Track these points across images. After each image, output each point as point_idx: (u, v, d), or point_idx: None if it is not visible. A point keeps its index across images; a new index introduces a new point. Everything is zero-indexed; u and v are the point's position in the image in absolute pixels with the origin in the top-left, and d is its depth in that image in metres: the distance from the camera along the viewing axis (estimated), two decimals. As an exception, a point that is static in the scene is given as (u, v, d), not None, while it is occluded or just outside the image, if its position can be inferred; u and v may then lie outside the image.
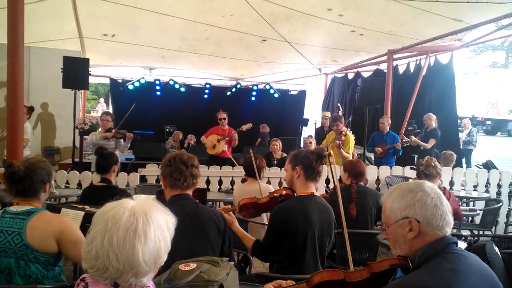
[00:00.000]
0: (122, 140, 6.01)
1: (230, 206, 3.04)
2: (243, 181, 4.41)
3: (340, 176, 4.07)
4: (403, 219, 1.48)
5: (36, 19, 6.62)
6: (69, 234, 2.17)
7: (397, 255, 1.55)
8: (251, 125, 7.16)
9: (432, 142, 7.20)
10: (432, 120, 7.46)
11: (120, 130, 6.05)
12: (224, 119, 7.05)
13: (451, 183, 6.18)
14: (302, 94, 13.03)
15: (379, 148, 6.94)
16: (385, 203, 1.57)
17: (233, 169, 5.85)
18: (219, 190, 5.69)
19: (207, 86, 12.22)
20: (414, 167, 5.54)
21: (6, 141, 4.82)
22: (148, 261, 1.16)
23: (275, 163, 6.68)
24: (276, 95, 12.46)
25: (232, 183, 5.71)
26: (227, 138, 6.89)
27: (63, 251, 2.15)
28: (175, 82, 11.77)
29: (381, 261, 1.56)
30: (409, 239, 1.48)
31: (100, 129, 6.47)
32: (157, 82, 11.81)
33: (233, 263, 1.77)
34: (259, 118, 10.64)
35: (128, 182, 5.53)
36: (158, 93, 11.75)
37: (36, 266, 2.08)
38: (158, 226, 1.20)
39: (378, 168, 6.26)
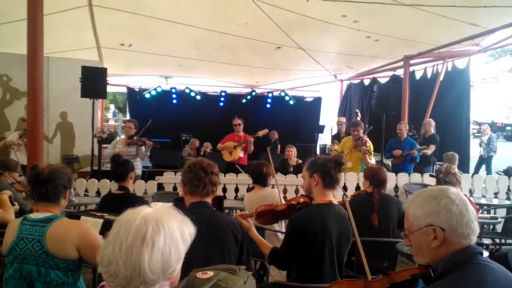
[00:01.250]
0: (143, 148, 6.06)
1: (247, 213, 3.03)
2: (251, 189, 4.37)
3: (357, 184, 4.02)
4: (427, 227, 1.44)
5: (55, 29, 6.76)
6: (89, 239, 2.18)
7: (418, 264, 1.51)
8: (267, 131, 7.14)
9: (432, 148, 7.05)
10: (431, 126, 7.38)
11: (140, 138, 6.11)
12: (240, 125, 7.04)
13: (471, 191, 6.06)
14: (317, 101, 12.99)
15: (398, 150, 6.82)
16: (408, 209, 1.53)
17: (249, 176, 5.84)
18: (236, 197, 5.69)
19: (223, 93, 12.29)
20: (434, 174, 5.43)
21: (27, 148, 4.90)
22: (154, 270, 1.14)
23: (291, 170, 6.66)
24: (291, 102, 12.45)
25: (249, 190, 5.70)
26: (243, 145, 6.88)
27: (83, 256, 2.16)
28: (191, 90, 11.87)
29: (402, 271, 1.52)
30: (433, 247, 1.43)
31: (123, 136, 6.53)
32: (173, 90, 11.93)
33: (251, 272, 1.76)
34: (274, 125, 10.65)
35: (145, 190, 5.57)
36: (174, 101, 11.87)
37: (56, 273, 2.09)
38: (170, 234, 1.18)
39: (396, 175, 6.17)
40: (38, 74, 4.82)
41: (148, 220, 1.17)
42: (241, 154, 6.89)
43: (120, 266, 1.13)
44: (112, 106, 23.16)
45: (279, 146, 10.25)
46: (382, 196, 3.64)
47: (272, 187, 4.16)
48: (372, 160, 6.00)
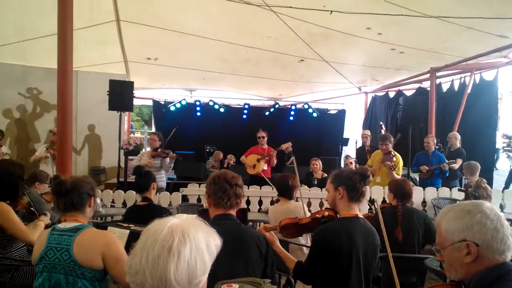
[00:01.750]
0: (167, 160, 6.14)
1: (271, 225, 3.00)
2: (276, 201, 4.33)
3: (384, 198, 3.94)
4: (460, 242, 1.40)
5: (84, 44, 6.97)
6: (114, 250, 2.21)
7: (450, 280, 1.47)
8: (290, 144, 7.10)
9: (459, 162, 6.85)
10: (457, 140, 7.22)
11: (164, 150, 6.19)
12: (264, 137, 7.05)
13: (502, 206, 5.86)
14: (341, 113, 12.89)
15: (425, 167, 6.69)
16: (440, 224, 1.49)
17: (273, 189, 5.83)
18: (259, 210, 5.68)
19: (246, 106, 12.34)
20: (463, 188, 5.28)
21: (56, 160, 5.03)
22: (180, 281, 1.14)
23: (315, 183, 6.60)
24: (314, 115, 12.39)
25: (272, 203, 5.68)
26: (266, 158, 6.88)
27: (106, 266, 2.19)
28: (215, 103, 11.98)
29: (432, 286, 1.48)
30: (466, 263, 1.39)
31: (148, 149, 6.64)
32: (197, 103, 12.07)
33: (275, 286, 1.74)
34: (297, 138, 10.58)
35: (170, 201, 5.62)
36: (198, 113, 11.99)
37: (83, 282, 2.12)
38: (196, 245, 1.18)
39: (423, 190, 6.03)
40: (67, 88, 4.96)
41: (175, 231, 1.18)
42: (265, 167, 6.89)
43: (147, 276, 1.13)
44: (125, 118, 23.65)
45: (291, 158, 9.98)
46: (406, 209, 3.56)
47: (296, 200, 4.12)
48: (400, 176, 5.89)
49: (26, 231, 2.97)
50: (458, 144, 7.23)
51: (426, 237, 3.50)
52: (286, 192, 3.99)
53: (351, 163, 7.30)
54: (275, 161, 7.06)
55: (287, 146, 7.04)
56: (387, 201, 3.80)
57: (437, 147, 7.47)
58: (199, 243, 1.19)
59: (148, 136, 7.63)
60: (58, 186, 2.32)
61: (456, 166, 6.84)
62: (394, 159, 5.84)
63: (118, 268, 2.15)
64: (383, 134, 6.87)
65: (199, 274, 1.18)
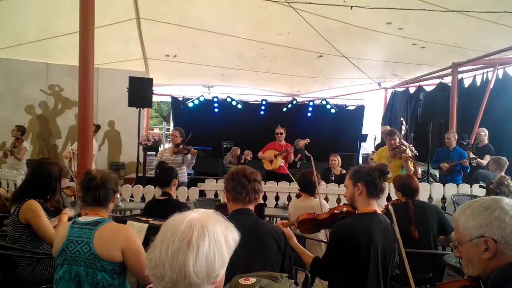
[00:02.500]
0: (188, 156, 6.20)
1: (288, 221, 3.00)
2: (298, 196, 4.32)
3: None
4: (478, 238, 1.39)
5: (104, 42, 7.07)
6: (133, 244, 2.24)
7: (468, 275, 1.45)
8: (309, 140, 7.07)
9: (487, 159, 6.70)
10: (486, 135, 7.06)
11: (186, 146, 6.25)
12: (281, 134, 7.03)
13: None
14: (360, 109, 12.76)
15: (445, 164, 6.58)
16: (458, 220, 1.47)
17: (290, 185, 5.82)
18: (276, 205, 5.68)
19: (263, 102, 12.34)
20: (483, 185, 5.17)
21: (77, 156, 5.12)
22: (199, 273, 1.15)
23: (333, 179, 6.56)
24: (332, 111, 12.30)
25: (289, 199, 5.68)
26: (284, 154, 6.87)
27: (125, 260, 2.22)
28: (232, 99, 12.01)
29: (450, 282, 1.47)
30: (484, 259, 1.37)
31: (170, 145, 6.70)
32: (215, 99, 12.12)
33: (293, 280, 1.74)
34: (315, 134, 10.53)
35: (188, 196, 5.67)
36: (216, 110, 12.05)
37: (102, 275, 2.15)
38: (215, 239, 1.20)
39: (444, 186, 5.94)
40: (89, 85, 5.02)
41: (194, 225, 1.19)
42: (282, 163, 6.88)
43: (167, 269, 1.15)
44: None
45: (299, 155, 9.81)
46: (418, 205, 3.46)
47: (314, 197, 4.09)
48: (418, 170, 5.81)
49: (52, 235, 2.96)
50: (486, 140, 7.08)
51: (440, 229, 3.44)
52: (308, 188, 3.96)
53: (372, 159, 7.21)
54: (293, 157, 7.03)
55: (305, 142, 7.00)
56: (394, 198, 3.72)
57: (465, 143, 7.34)
58: (217, 237, 1.20)
59: (169, 132, 7.69)
60: (88, 181, 2.36)
61: (484, 162, 6.71)
62: (408, 151, 5.78)
63: (137, 262, 2.19)
64: (390, 129, 6.80)
65: (218, 267, 1.19)
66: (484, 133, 7.15)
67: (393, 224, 2.36)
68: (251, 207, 2.37)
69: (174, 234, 1.18)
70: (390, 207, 2.48)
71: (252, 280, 1.57)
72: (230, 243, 1.25)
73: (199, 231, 1.18)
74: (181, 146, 6.19)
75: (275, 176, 6.47)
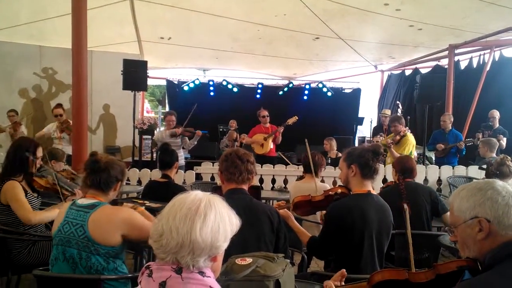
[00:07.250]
0: (187, 138, 6.18)
1: (284, 203, 3.02)
2: (301, 178, 4.35)
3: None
4: (472, 219, 1.39)
5: (98, 24, 6.96)
6: (134, 222, 2.22)
7: (465, 257, 1.46)
8: (297, 118, 6.90)
9: (503, 139, 6.62)
10: (497, 118, 7.01)
11: (187, 128, 6.21)
12: (267, 116, 6.97)
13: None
14: (356, 92, 12.73)
15: (441, 145, 6.58)
16: (453, 203, 1.48)
17: (286, 168, 5.84)
18: (272, 188, 5.70)
19: (259, 85, 12.27)
20: (484, 166, 5.16)
21: (72, 139, 5.08)
22: (204, 239, 1.20)
23: (329, 162, 6.57)
24: (329, 94, 12.26)
25: (285, 181, 5.69)
26: (273, 135, 6.81)
27: (132, 238, 2.21)
28: (228, 83, 11.94)
29: (448, 263, 1.48)
30: (479, 240, 1.38)
31: (163, 128, 6.65)
32: (210, 82, 12.04)
33: (289, 260, 1.75)
34: (311, 117, 10.53)
35: (184, 180, 5.68)
36: (211, 93, 11.98)
37: (96, 258, 2.14)
38: (220, 214, 1.26)
39: (439, 168, 5.97)
40: (82, 68, 4.99)
41: (201, 198, 1.27)
42: (271, 146, 6.83)
43: (173, 233, 1.20)
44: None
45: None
46: (409, 184, 3.45)
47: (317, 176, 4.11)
48: (414, 153, 5.85)
49: (26, 210, 2.94)
50: (497, 123, 6.95)
51: (434, 211, 3.47)
52: (311, 169, 3.95)
53: (377, 141, 7.17)
54: (280, 138, 6.95)
55: (293, 120, 6.87)
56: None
57: (472, 140, 7.21)
58: (222, 213, 1.28)
59: (163, 116, 7.63)
60: (93, 163, 2.31)
61: (504, 144, 6.55)
62: (397, 138, 5.90)
63: (144, 234, 2.08)
64: (393, 115, 6.81)
65: (221, 239, 1.25)
66: (498, 115, 6.99)
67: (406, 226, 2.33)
68: (245, 187, 2.41)
69: (182, 203, 1.25)
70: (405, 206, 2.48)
71: (249, 260, 1.59)
72: (233, 222, 1.31)
73: (207, 203, 1.26)
74: (180, 128, 6.15)
75: (267, 159, 6.43)
